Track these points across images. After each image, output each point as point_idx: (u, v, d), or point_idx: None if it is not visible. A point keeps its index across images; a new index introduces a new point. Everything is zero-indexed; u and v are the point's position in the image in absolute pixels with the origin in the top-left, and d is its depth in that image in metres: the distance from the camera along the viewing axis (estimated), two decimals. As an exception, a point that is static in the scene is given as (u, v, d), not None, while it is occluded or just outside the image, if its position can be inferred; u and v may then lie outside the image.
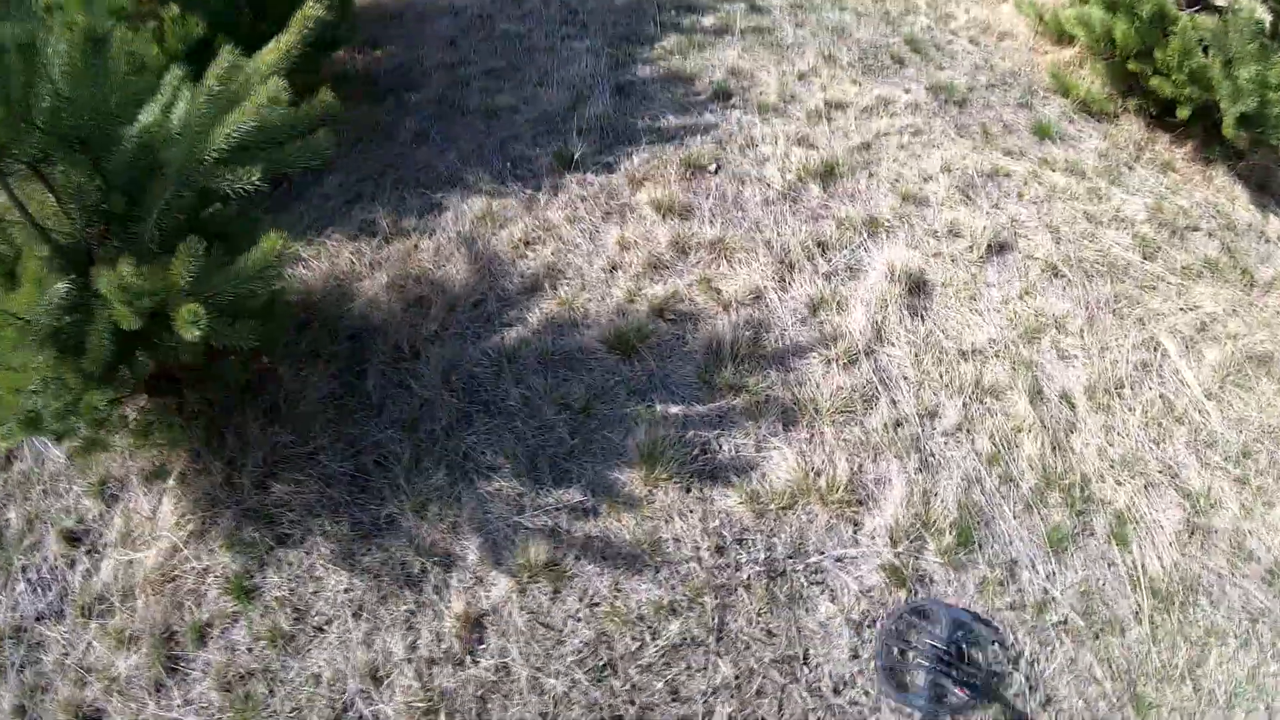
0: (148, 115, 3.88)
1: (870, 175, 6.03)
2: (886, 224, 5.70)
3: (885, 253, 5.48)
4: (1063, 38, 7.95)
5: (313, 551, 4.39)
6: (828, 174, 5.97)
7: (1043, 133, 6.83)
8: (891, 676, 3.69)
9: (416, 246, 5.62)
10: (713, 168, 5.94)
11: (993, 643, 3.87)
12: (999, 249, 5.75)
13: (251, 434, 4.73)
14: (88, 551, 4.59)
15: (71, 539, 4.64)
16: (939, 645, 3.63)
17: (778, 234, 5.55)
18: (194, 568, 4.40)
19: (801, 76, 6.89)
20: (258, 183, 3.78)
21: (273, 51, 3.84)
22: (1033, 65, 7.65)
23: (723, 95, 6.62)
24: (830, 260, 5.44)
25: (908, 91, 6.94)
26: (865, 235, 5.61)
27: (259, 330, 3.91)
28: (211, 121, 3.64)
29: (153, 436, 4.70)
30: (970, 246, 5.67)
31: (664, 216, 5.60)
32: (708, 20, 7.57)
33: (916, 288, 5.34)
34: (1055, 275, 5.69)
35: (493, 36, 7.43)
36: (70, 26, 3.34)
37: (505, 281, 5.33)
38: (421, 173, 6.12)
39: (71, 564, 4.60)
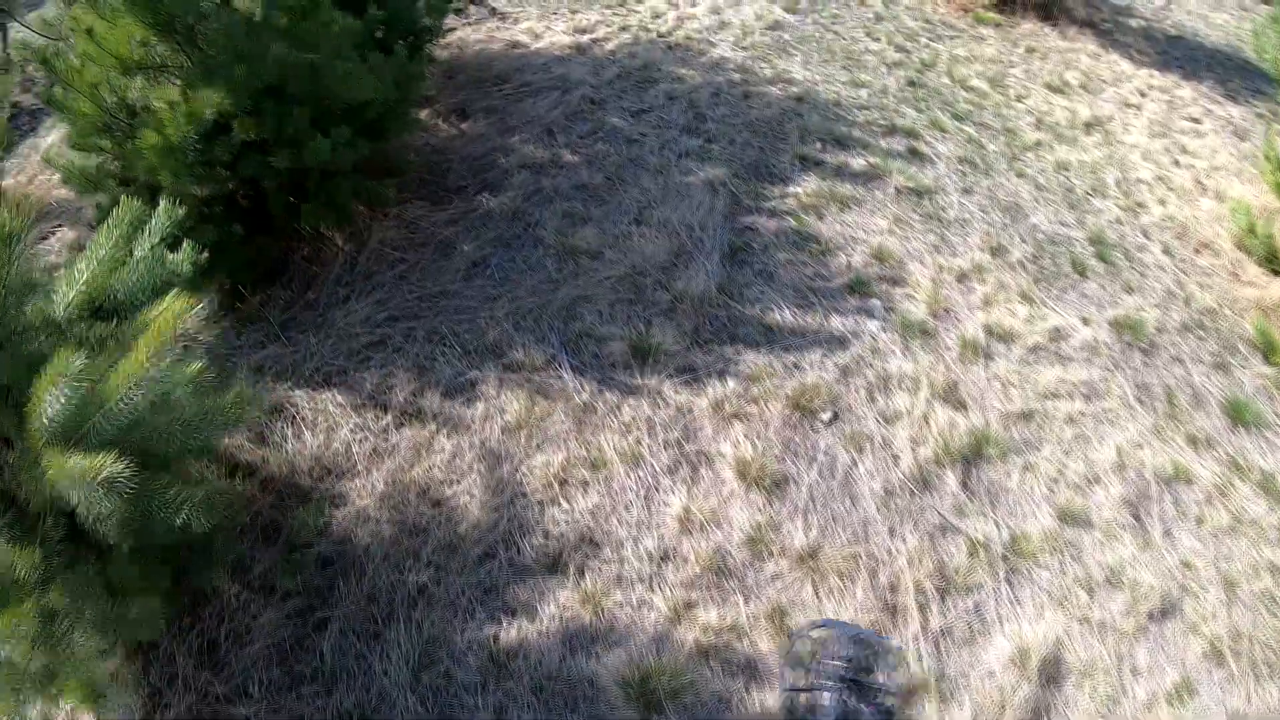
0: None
1: (1025, 468, 4.29)
2: (1032, 558, 3.97)
3: (1019, 618, 3.77)
4: (1274, 260, 5.95)
5: None
6: (973, 456, 4.23)
7: (1237, 414, 4.98)
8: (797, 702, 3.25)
9: (431, 443, 4.06)
10: (827, 415, 4.24)
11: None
12: (1161, 614, 4.00)
13: (181, 670, 3.38)
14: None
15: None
16: (840, 665, 3.23)
17: (889, 552, 3.87)
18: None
19: (962, 277, 5.07)
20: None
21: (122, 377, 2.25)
22: (1234, 301, 5.70)
23: (860, 289, 4.86)
24: (948, 611, 3.75)
25: (1086, 322, 5.10)
26: (1002, 575, 3.91)
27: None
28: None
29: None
30: (1128, 609, 3.96)
31: (748, 487, 3.95)
32: (858, 162, 5.70)
33: (1049, 679, 3.64)
34: (1218, 663, 3.96)
35: (598, 134, 5.65)
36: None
37: (526, 538, 3.77)
38: (464, 325, 4.50)
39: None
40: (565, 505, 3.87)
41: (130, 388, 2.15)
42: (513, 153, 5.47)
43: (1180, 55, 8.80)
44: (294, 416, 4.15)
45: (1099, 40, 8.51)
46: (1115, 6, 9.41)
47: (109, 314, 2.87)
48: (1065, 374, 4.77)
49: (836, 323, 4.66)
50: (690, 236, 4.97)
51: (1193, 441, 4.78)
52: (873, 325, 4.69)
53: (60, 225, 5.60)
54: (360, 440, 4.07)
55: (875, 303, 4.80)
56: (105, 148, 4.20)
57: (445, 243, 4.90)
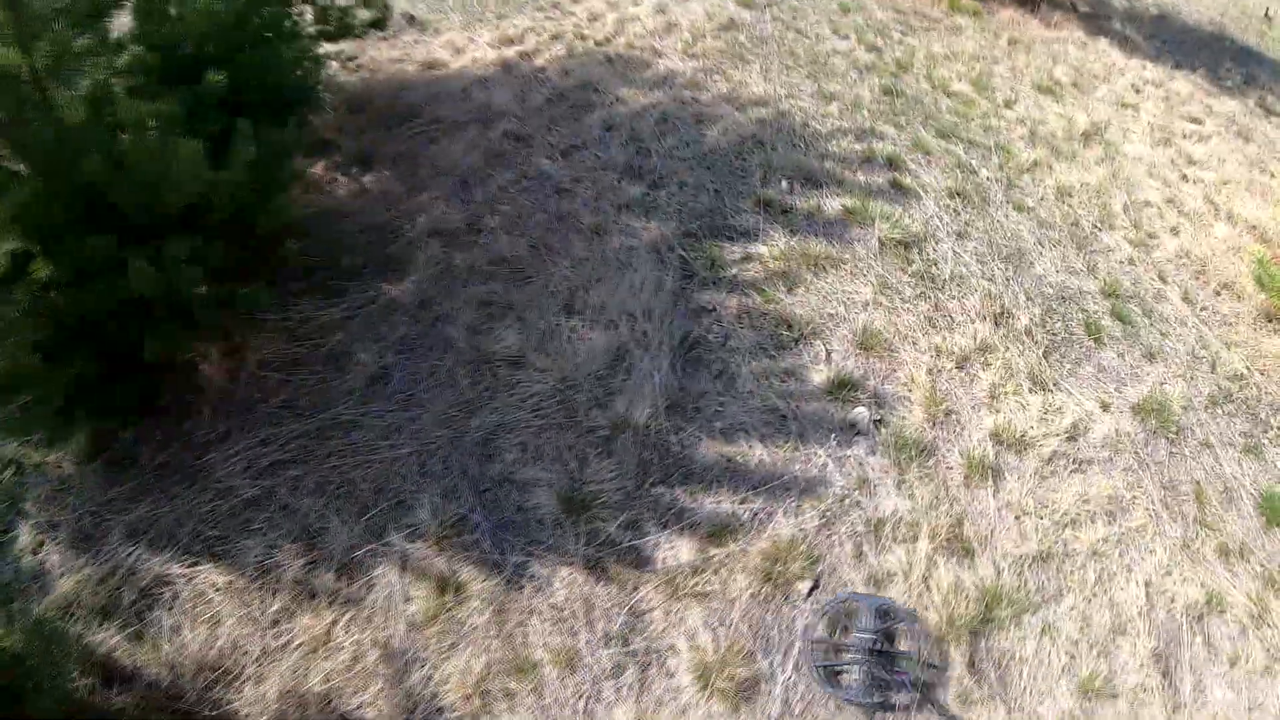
0: None
1: (1043, 630, 3.37)
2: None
3: None
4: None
5: None
6: (981, 624, 3.28)
7: (1271, 512, 4.14)
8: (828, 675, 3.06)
9: (328, 639, 3.15)
10: (805, 585, 3.26)
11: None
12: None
13: None
14: None
15: None
16: (868, 636, 3.06)
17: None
18: None
19: (963, 361, 4.08)
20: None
21: None
22: (1261, 359, 4.74)
23: (843, 392, 3.83)
24: None
25: (1106, 408, 4.16)
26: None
27: None
28: None
29: None
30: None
31: (709, 695, 2.99)
32: (833, 206, 4.62)
33: None
34: None
35: (523, 182, 4.50)
36: None
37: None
38: (360, 470, 3.45)
39: None
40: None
41: None
42: (421, 215, 4.31)
43: (1169, 39, 7.71)
44: (172, 603, 3.17)
45: (1084, 26, 7.36)
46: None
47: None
48: (1086, 487, 3.82)
49: (816, 447, 3.64)
50: (633, 329, 3.89)
51: (1224, 554, 3.89)
52: (860, 447, 3.67)
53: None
54: (247, 635, 3.06)
55: (862, 411, 3.78)
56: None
57: (337, 351, 3.78)
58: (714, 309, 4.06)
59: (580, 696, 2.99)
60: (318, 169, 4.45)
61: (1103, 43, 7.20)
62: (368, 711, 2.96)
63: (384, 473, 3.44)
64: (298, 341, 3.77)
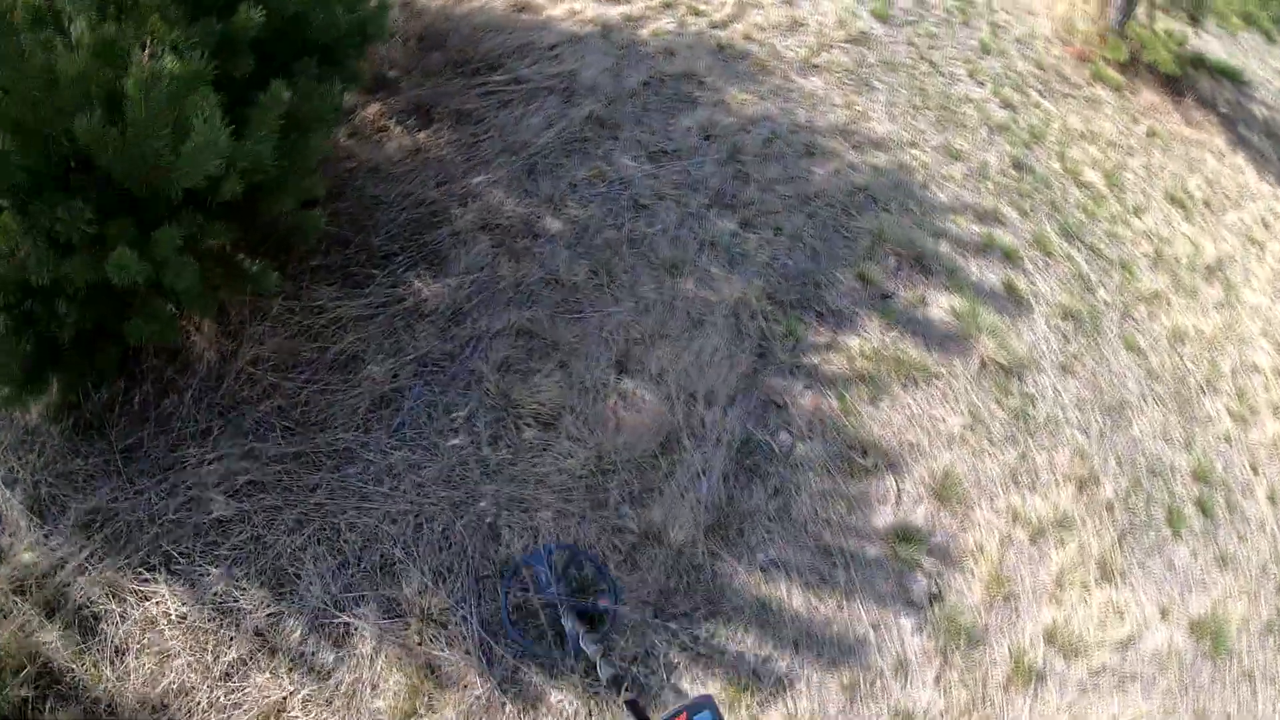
0: None
1: None
2: None
3: None
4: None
5: None
6: None
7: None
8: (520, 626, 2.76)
9: (281, 712, 2.62)
10: (814, 788, 2.78)
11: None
12: None
13: None
14: None
15: None
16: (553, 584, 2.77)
17: None
18: None
19: (1037, 535, 3.61)
20: None
21: None
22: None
23: (904, 550, 3.35)
24: None
25: (1165, 616, 3.72)
26: None
27: None
28: None
29: None
30: None
31: None
32: (939, 304, 4.07)
33: None
34: None
35: (598, 184, 3.87)
36: None
37: None
38: (349, 516, 2.99)
39: None
40: None
41: None
42: (475, 200, 3.64)
43: (1306, 166, 7.02)
44: (120, 622, 2.70)
45: (1224, 132, 6.65)
46: (1238, 86, 7.49)
47: None
48: (1124, 708, 3.41)
49: (859, 609, 3.14)
50: (689, 412, 3.31)
51: None
52: (908, 620, 3.18)
53: None
54: (197, 682, 2.59)
55: (918, 581, 3.27)
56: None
57: (346, 356, 3.18)
58: (785, 405, 3.48)
59: None
60: (370, 111, 3.74)
61: (1240, 157, 6.52)
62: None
63: (374, 527, 2.89)
64: (303, 336, 3.14)
